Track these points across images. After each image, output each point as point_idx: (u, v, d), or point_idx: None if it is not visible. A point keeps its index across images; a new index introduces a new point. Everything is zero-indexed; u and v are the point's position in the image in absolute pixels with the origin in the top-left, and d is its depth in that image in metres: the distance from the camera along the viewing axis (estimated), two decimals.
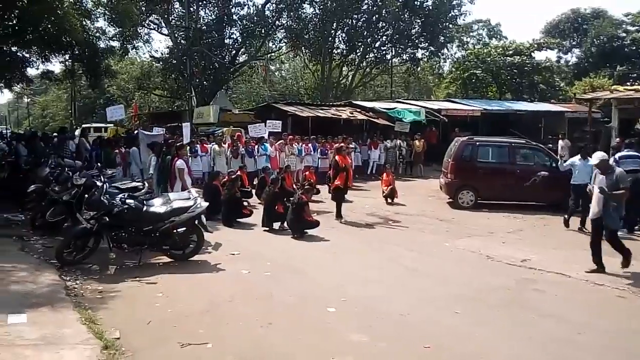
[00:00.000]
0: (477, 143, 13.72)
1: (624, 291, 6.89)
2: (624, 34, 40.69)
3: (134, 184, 9.61)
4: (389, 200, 13.96)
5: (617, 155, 10.56)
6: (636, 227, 10.33)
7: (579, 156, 11.06)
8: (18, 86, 27.16)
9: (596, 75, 35.38)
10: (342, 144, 14.06)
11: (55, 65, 30.32)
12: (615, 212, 7.50)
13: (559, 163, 11.93)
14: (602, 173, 7.55)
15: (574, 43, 45.59)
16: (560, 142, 19.21)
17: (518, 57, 36.06)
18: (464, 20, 37.44)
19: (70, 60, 20.03)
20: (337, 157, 11.84)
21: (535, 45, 38.66)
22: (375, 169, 19.27)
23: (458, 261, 8.38)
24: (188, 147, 15.25)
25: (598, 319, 5.93)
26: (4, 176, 11.05)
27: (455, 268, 7.95)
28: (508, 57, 36.09)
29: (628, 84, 25.11)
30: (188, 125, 16.30)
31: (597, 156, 7.68)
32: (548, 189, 12.57)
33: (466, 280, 7.20)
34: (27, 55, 17.88)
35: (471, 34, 48.39)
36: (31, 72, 22.50)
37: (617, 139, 15.51)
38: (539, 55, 39.28)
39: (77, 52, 17.65)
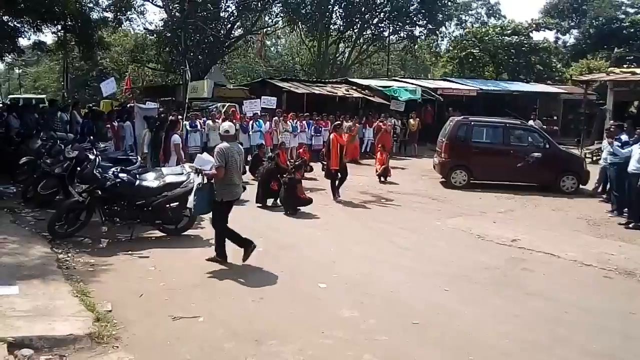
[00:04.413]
0: (472, 123, 13.70)
1: (610, 272, 7.00)
2: (623, 16, 40.34)
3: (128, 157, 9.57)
4: (382, 179, 13.99)
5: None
6: None
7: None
8: (9, 56, 26.74)
9: (593, 56, 35.20)
10: (350, 122, 13.61)
11: (48, 36, 29.91)
12: (202, 195, 6.41)
13: (614, 147, 10.34)
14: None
15: (572, 24, 45.11)
16: (530, 122, 18.93)
17: (516, 37, 35.69)
18: None
19: (62, 31, 19.66)
20: (331, 136, 11.22)
21: (534, 25, 38.31)
22: (369, 147, 19.23)
23: (449, 240, 8.45)
24: (187, 122, 15.18)
25: (584, 298, 6.03)
26: None
27: (446, 247, 8.02)
28: (506, 37, 35.73)
29: (625, 66, 24.98)
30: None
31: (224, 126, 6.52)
32: (540, 170, 12.73)
33: (456, 259, 7.28)
34: (19, 25, 17.56)
35: (470, 12, 47.88)
36: (23, 42, 22.13)
37: (611, 121, 15.54)
38: (537, 36, 38.96)
39: (69, 22, 17.36)
